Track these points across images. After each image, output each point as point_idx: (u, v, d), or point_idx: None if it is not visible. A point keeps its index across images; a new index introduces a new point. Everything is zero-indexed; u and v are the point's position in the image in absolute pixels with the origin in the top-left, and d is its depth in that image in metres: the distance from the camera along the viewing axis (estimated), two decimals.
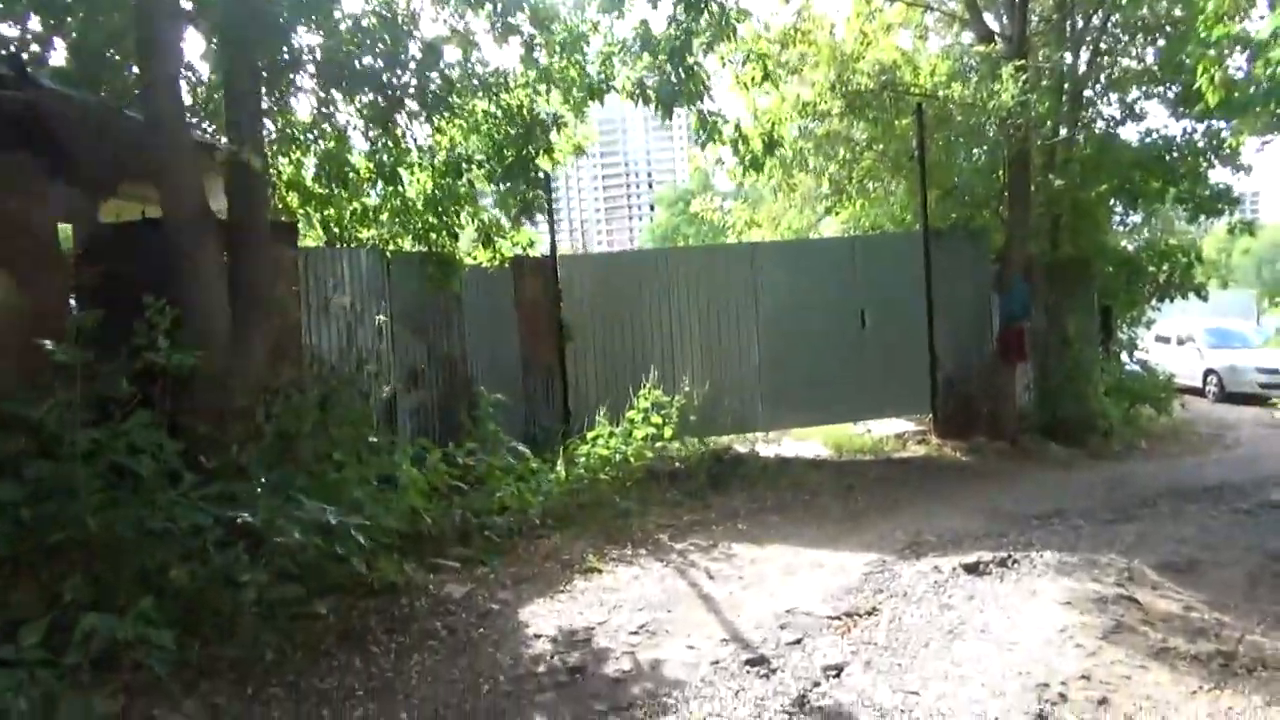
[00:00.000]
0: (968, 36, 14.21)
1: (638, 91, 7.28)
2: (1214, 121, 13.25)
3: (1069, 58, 13.06)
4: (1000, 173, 12.67)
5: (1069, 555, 7.08)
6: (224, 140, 6.45)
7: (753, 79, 7.52)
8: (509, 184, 7.63)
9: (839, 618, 5.61)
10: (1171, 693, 4.57)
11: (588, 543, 7.22)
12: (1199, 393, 19.02)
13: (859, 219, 14.23)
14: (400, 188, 7.52)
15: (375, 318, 7.82)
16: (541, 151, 7.63)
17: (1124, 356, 14.47)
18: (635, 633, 5.33)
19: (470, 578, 6.20)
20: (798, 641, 5.18)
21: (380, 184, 7.65)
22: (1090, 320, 13.25)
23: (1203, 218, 14.89)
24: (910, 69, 13.18)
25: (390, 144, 7.21)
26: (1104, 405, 12.88)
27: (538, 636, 5.29)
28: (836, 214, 14.24)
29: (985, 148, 12.34)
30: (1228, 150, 13.23)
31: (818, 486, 9.69)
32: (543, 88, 7.55)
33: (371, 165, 7.57)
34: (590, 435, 8.72)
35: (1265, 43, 10.42)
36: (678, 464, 10.18)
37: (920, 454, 11.89)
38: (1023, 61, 11.30)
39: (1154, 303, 14.73)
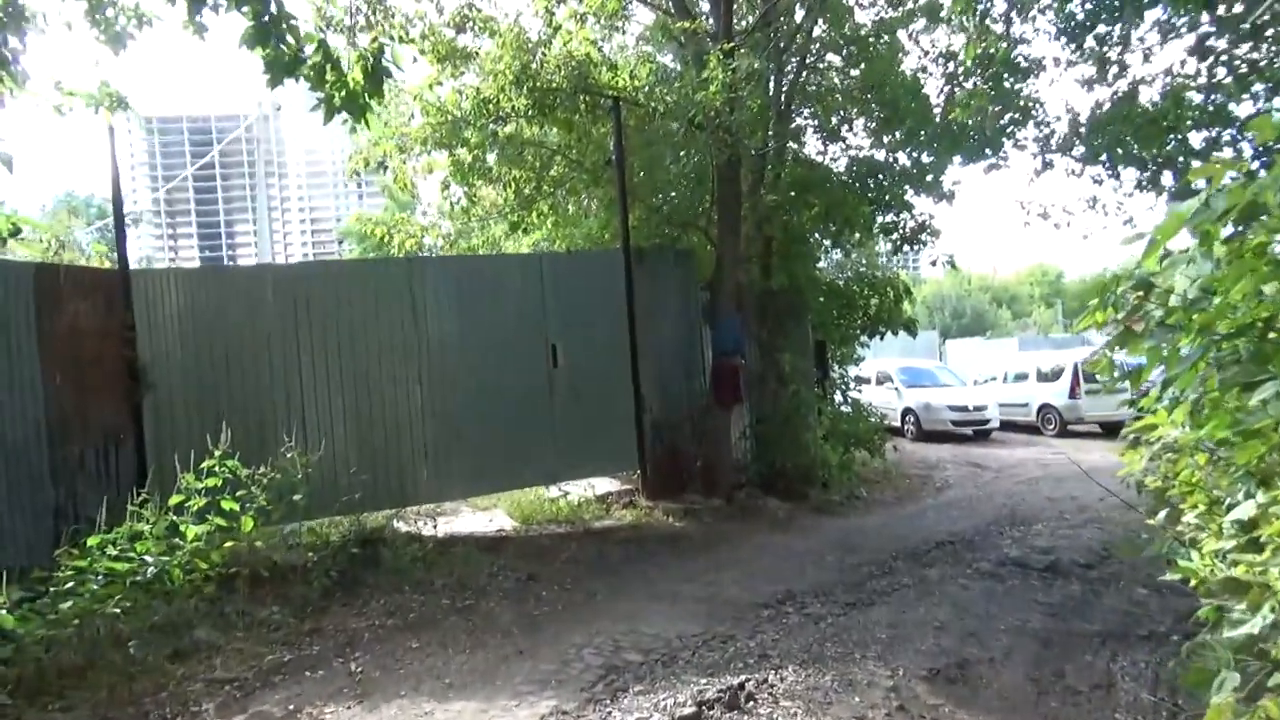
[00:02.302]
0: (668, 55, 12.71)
1: None
2: (915, 152, 12.63)
3: (774, 69, 11.81)
4: (710, 188, 11.04)
5: (818, 672, 5.07)
6: None
7: None
8: None
9: None
10: None
11: None
12: (899, 432, 18.90)
13: (552, 239, 12.04)
14: None
15: None
16: None
17: (838, 396, 13.39)
18: None
19: None
20: None
21: None
22: (806, 357, 11.93)
23: (905, 249, 14.24)
24: (608, 69, 11.28)
25: None
26: (823, 451, 11.53)
27: None
28: (525, 232, 11.94)
29: (692, 154, 10.64)
30: (929, 178, 12.58)
31: (487, 581, 7.12)
32: None
33: None
34: (94, 540, 5.45)
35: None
36: (312, 555, 7.21)
37: (627, 521, 9.72)
38: (731, 45, 9.72)
39: (863, 339, 13.87)
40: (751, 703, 4.60)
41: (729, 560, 8.08)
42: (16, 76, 4.76)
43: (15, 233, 5.42)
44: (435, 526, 8.57)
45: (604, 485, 11.01)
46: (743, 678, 4.94)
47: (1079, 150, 11.35)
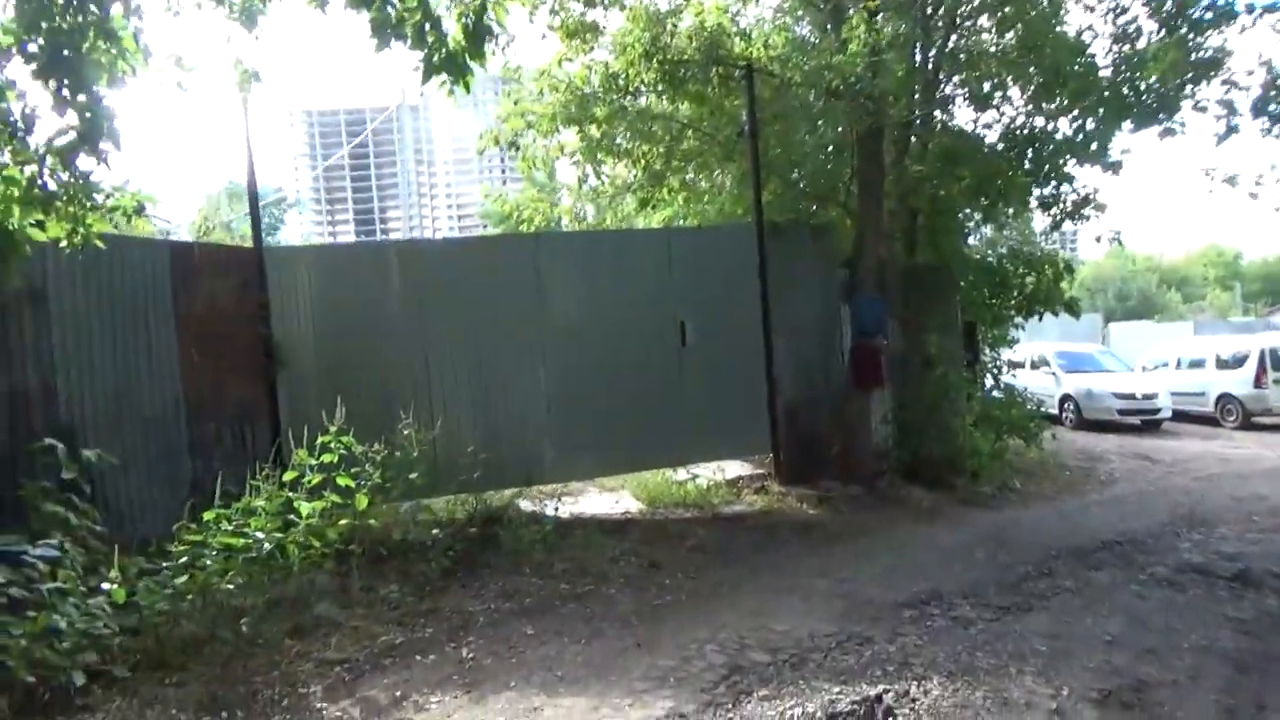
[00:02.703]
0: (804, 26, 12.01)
1: None
2: (1078, 118, 11.45)
3: (920, 33, 10.95)
4: (850, 160, 10.38)
5: (967, 686, 4.52)
6: None
7: None
8: (54, 87, 4.48)
9: None
10: None
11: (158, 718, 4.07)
12: (1056, 420, 17.57)
13: (684, 215, 11.65)
14: None
15: None
16: (100, 34, 4.51)
17: (989, 381, 12.44)
18: None
19: None
20: None
21: None
22: (954, 338, 11.10)
23: (1064, 226, 13.02)
24: (741, 39, 10.76)
25: None
26: (973, 439, 10.71)
27: None
28: (655, 209, 11.60)
29: (831, 125, 10.00)
30: (1093, 146, 11.38)
31: (608, 566, 6.86)
32: None
33: None
34: (209, 515, 5.47)
35: None
36: (436, 532, 7.12)
37: (757, 507, 9.29)
38: (875, 2, 9.03)
39: (1018, 320, 12.83)
40: (890, 718, 4.12)
41: (867, 552, 7.53)
42: (129, 55, 4.72)
43: (140, 210, 5.47)
44: (558, 508, 8.38)
45: (734, 469, 10.59)
46: (881, 688, 4.46)
47: (1275, 109, 9.95)
